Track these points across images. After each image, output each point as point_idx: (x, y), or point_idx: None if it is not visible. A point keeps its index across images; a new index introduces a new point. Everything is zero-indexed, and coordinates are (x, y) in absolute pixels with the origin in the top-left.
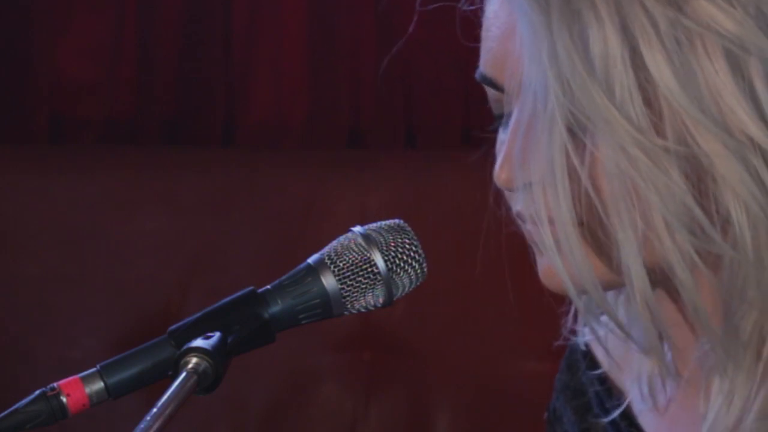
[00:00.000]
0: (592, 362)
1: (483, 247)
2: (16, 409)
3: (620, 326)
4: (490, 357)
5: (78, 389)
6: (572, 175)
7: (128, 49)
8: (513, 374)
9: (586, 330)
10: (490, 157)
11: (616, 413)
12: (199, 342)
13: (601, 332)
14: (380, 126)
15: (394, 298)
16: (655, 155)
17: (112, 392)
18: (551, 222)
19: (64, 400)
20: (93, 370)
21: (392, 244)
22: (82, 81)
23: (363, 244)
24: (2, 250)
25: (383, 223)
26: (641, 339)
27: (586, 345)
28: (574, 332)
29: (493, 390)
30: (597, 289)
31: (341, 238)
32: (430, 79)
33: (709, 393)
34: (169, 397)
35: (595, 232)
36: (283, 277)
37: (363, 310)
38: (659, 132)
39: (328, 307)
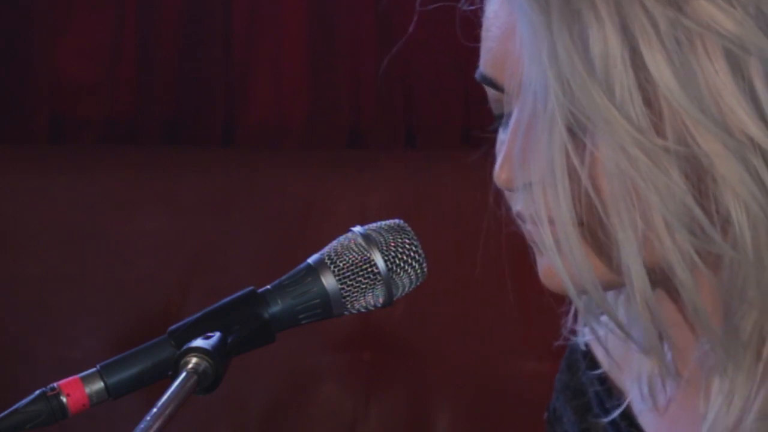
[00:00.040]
0: (592, 362)
1: (483, 247)
2: (16, 409)
3: (620, 326)
4: (490, 357)
5: (78, 389)
6: (572, 175)
7: (128, 49)
8: (513, 374)
9: (586, 330)
10: (490, 157)
11: (616, 413)
12: (199, 342)
13: (601, 332)
14: (380, 126)
15: (394, 298)
16: (655, 155)
17: (112, 392)
18: (551, 222)
19: (64, 400)
20: (93, 370)
21: (392, 244)
22: (82, 81)
23: (363, 244)
24: (2, 250)
25: (383, 223)
26: (641, 339)
27: (586, 345)
28: (574, 332)
29: (493, 390)
30: (597, 289)
31: (341, 238)
32: (430, 79)
33: (709, 393)
34: (169, 397)
35: (595, 232)
36: (283, 277)
37: (363, 310)
38: (659, 132)
39: (328, 307)
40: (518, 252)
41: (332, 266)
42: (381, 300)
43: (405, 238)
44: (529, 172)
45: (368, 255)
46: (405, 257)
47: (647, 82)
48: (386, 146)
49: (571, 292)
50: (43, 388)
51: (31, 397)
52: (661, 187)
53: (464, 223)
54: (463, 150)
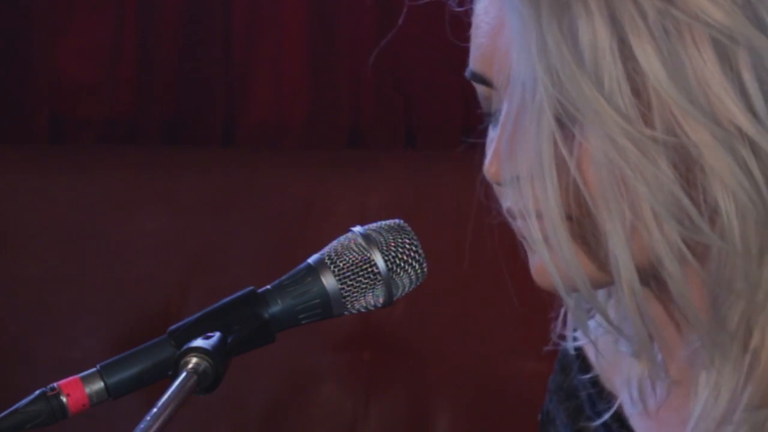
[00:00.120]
0: (585, 364)
1: (483, 247)
2: (16, 409)
3: (610, 323)
4: (490, 357)
5: (78, 389)
6: (560, 167)
7: (128, 49)
8: (513, 374)
9: (576, 335)
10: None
11: (606, 416)
12: (199, 342)
13: (592, 336)
14: (380, 126)
15: (394, 298)
16: (643, 145)
17: (112, 392)
18: (539, 216)
19: (64, 400)
20: (93, 370)
21: (392, 244)
22: (82, 81)
23: (363, 244)
24: (2, 250)
25: (383, 223)
26: (632, 339)
27: (578, 348)
28: (563, 337)
29: (493, 390)
30: (586, 284)
31: (341, 238)
32: (430, 79)
33: (697, 388)
34: (169, 397)
35: (583, 228)
36: (283, 277)
37: (363, 310)
38: (648, 122)
39: (328, 307)
40: (518, 252)
41: (332, 266)
42: (381, 300)
43: (405, 238)
44: (518, 165)
45: (368, 255)
46: (405, 257)
47: (636, 73)
48: (386, 146)
49: (560, 289)
50: (43, 388)
51: (31, 397)
52: (649, 177)
53: (464, 223)
54: (462, 150)
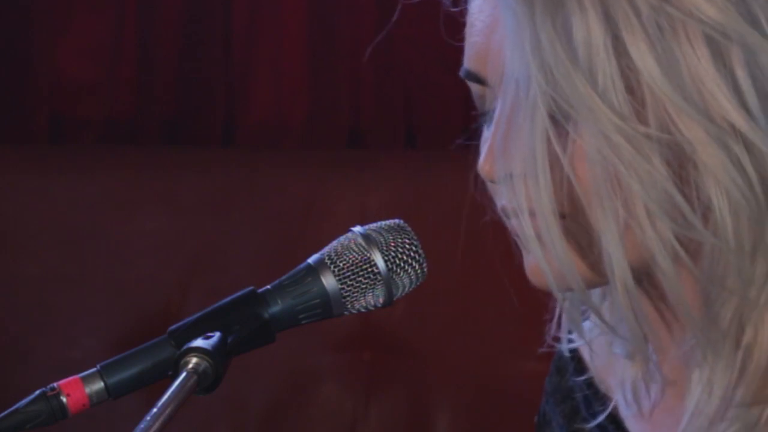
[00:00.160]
0: (580, 365)
1: (482, 247)
2: (16, 409)
3: (605, 323)
4: (490, 357)
5: (78, 389)
6: (554, 164)
7: (128, 49)
8: (513, 374)
9: (571, 337)
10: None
11: (601, 417)
12: (199, 342)
13: (586, 337)
14: (380, 126)
15: (394, 298)
16: (637, 142)
17: (112, 392)
18: (532, 214)
19: (64, 400)
20: (93, 370)
21: (392, 244)
22: (82, 81)
23: (363, 244)
24: (2, 250)
25: (383, 223)
26: (627, 340)
27: (573, 350)
28: (557, 339)
29: (493, 390)
30: (579, 282)
31: (341, 238)
32: (430, 79)
33: (690, 385)
34: (169, 397)
35: (576, 226)
36: (283, 277)
37: (363, 310)
38: (641, 119)
39: (328, 307)
40: (518, 252)
41: (332, 266)
42: (381, 300)
43: (405, 238)
44: (511, 162)
45: (368, 255)
46: (405, 257)
47: (630, 70)
48: (386, 146)
49: (554, 288)
50: (43, 388)
51: (31, 397)
52: (642, 174)
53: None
54: (463, 150)
